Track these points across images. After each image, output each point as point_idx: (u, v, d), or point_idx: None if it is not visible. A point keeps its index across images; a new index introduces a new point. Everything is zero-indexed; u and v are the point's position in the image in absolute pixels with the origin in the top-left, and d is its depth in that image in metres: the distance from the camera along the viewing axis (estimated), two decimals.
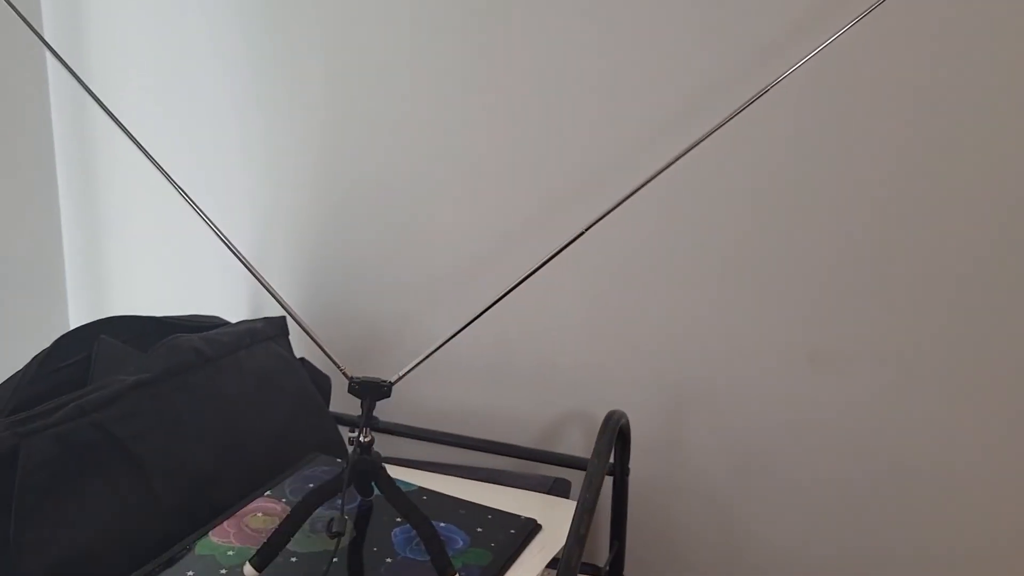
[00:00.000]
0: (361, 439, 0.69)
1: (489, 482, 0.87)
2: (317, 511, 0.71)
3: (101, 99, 0.78)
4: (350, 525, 0.75)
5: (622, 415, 0.82)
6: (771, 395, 0.88)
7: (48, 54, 1.15)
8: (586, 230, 0.72)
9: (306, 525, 0.72)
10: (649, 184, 0.73)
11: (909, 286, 0.83)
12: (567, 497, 0.88)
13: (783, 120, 0.83)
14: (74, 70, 0.80)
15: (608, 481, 0.90)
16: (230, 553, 0.70)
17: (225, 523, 0.74)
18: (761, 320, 0.88)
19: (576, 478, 0.87)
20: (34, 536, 0.65)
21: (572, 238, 0.72)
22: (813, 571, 0.90)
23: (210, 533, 0.72)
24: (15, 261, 1.13)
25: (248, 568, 0.66)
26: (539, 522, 0.78)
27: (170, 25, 1.09)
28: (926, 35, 0.78)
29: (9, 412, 0.70)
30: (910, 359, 0.84)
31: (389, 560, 0.70)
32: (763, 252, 0.86)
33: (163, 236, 1.16)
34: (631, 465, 0.89)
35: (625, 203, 0.72)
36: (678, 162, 0.72)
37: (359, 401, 0.69)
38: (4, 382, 0.74)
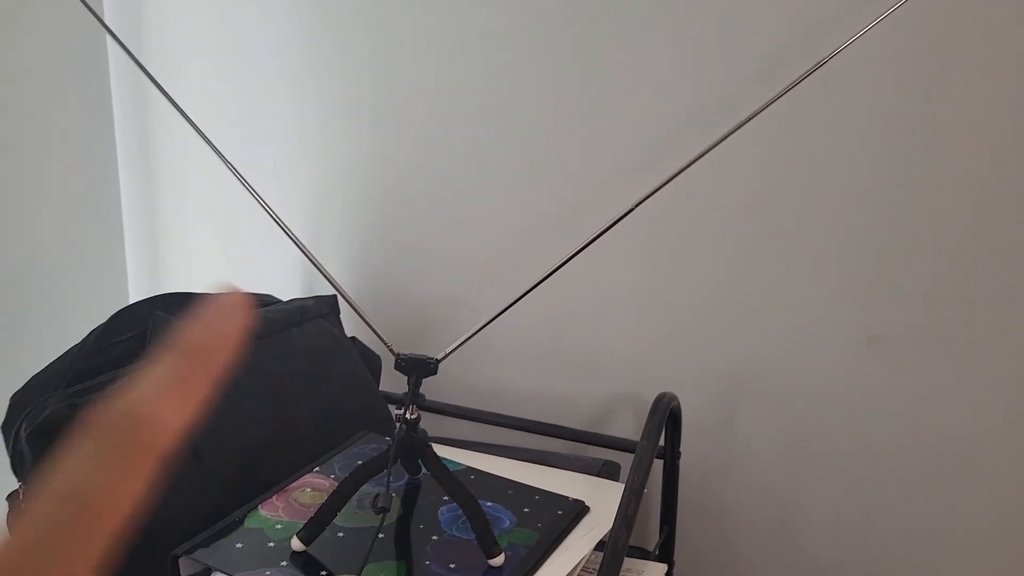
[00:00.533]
0: (407, 416, 0.69)
1: (538, 463, 0.87)
2: (365, 489, 0.71)
3: (161, 84, 0.78)
4: (396, 502, 0.75)
5: (673, 397, 0.80)
6: (827, 380, 0.86)
7: (109, 39, 1.17)
8: (633, 208, 0.70)
9: (353, 502, 0.72)
10: (699, 163, 0.71)
11: (968, 267, 0.79)
12: (617, 480, 0.87)
13: (838, 98, 0.80)
14: (135, 55, 0.81)
15: (659, 464, 0.88)
16: (278, 527, 0.70)
17: (274, 497, 0.75)
18: (817, 302, 0.85)
19: (626, 461, 0.86)
20: None
21: (619, 216, 0.70)
22: (868, 558, 0.88)
23: (259, 507, 0.73)
24: (78, 240, 1.16)
25: (295, 541, 0.67)
26: (587, 504, 0.77)
27: (228, 13, 1.10)
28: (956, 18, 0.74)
29: (67, 384, 0.72)
30: (973, 343, 0.80)
31: (435, 538, 0.70)
32: (819, 232, 0.84)
33: (220, 216, 1.17)
34: (682, 449, 0.88)
35: (676, 182, 0.70)
36: (728, 141, 0.70)
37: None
38: (62, 355, 0.76)
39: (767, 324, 0.87)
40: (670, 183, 0.70)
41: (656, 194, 0.73)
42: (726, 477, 0.91)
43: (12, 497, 0.68)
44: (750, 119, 0.69)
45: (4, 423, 0.69)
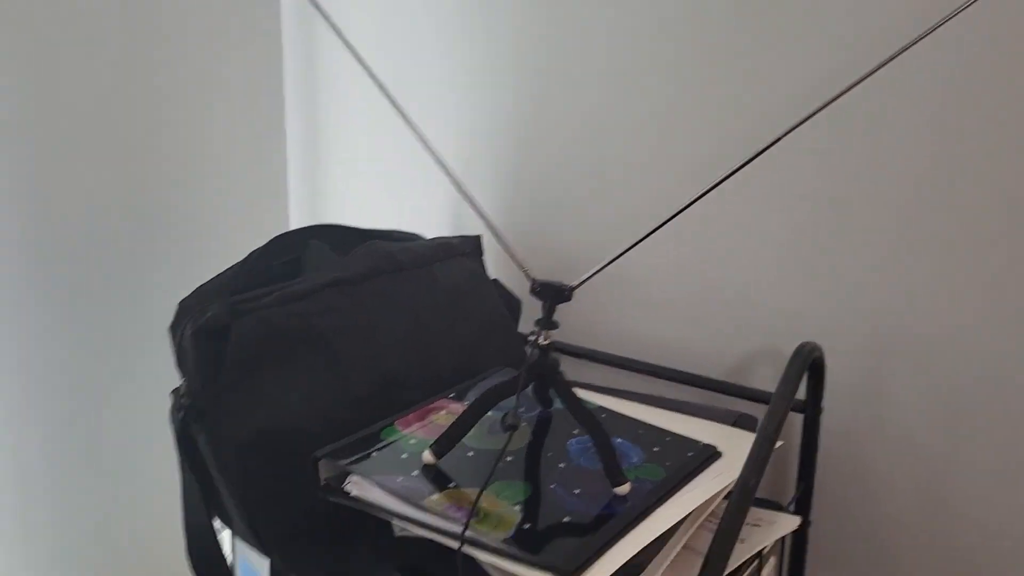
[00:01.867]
0: (540, 341, 0.70)
1: (671, 411, 0.85)
2: (498, 416, 0.72)
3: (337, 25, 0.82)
4: (527, 428, 0.76)
5: (816, 347, 0.77)
6: (990, 351, 0.79)
7: None
8: (769, 147, 0.67)
9: (485, 426, 0.74)
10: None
11: None
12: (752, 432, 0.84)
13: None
14: None
15: (800, 419, 0.85)
16: (412, 442, 0.73)
17: (411, 415, 0.77)
18: (985, 264, 0.78)
19: (764, 414, 0.83)
20: (239, 405, 0.71)
21: (755, 154, 0.68)
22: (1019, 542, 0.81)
23: (396, 422, 0.76)
24: (245, 170, 1.25)
25: (427, 454, 0.69)
26: (719, 450, 0.75)
27: None
28: None
29: (228, 295, 0.77)
30: None
31: (562, 465, 0.71)
32: (989, 192, 0.77)
33: (376, 154, 1.22)
34: (828, 405, 0.84)
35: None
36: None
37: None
38: (225, 271, 0.81)
39: (928, 286, 0.81)
40: (816, 124, 0.67)
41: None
42: (874, 439, 0.86)
43: (175, 392, 0.74)
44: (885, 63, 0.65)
45: (172, 325, 0.75)
